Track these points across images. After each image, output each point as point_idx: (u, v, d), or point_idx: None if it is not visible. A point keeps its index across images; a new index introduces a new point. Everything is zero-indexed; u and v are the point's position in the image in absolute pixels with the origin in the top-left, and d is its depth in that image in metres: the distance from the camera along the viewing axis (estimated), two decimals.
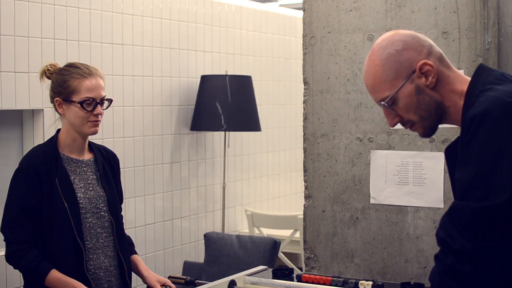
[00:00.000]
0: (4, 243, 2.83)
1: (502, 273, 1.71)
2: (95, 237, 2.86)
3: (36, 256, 2.75)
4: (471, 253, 1.69)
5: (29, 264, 2.74)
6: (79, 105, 2.78)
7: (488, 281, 1.70)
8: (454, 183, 1.94)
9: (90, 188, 2.88)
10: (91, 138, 2.99)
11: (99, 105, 2.82)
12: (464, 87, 1.94)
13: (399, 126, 2.03)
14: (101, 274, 2.86)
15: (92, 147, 2.98)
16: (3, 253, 2.84)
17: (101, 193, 2.91)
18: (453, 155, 1.97)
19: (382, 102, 1.96)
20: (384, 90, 1.95)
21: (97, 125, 2.84)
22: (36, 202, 2.77)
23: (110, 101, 2.89)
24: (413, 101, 1.94)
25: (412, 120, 1.97)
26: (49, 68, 2.88)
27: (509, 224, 1.69)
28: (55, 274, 2.73)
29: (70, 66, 2.86)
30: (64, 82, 2.81)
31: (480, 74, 1.94)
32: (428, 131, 2.00)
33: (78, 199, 2.82)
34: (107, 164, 2.99)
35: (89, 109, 2.80)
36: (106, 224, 2.91)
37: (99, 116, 2.82)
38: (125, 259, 2.96)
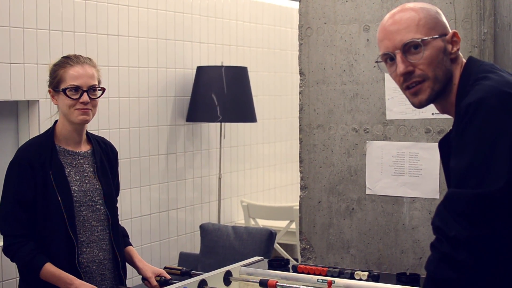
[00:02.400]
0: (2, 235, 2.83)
1: (497, 260, 1.71)
2: (90, 230, 2.85)
3: (32, 249, 2.74)
4: (466, 240, 1.70)
5: (24, 258, 2.73)
6: (63, 92, 2.78)
7: (483, 268, 1.71)
8: (448, 174, 1.95)
9: (86, 181, 2.87)
10: (88, 129, 2.98)
11: (85, 93, 2.78)
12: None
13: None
14: (94, 267, 2.84)
15: (91, 138, 2.96)
16: None
17: (97, 186, 2.89)
18: (446, 146, 1.97)
19: (414, 39, 1.92)
20: (416, 32, 1.93)
21: (85, 113, 2.79)
22: (30, 195, 2.75)
23: (103, 90, 2.86)
24: (439, 57, 1.94)
25: (427, 75, 1.94)
26: None
27: (504, 211, 1.70)
28: (49, 268, 2.72)
29: (63, 57, 2.88)
30: (54, 72, 2.84)
31: (471, 65, 1.97)
32: (432, 96, 1.96)
33: (72, 192, 2.80)
34: (104, 156, 2.97)
35: (74, 96, 2.77)
36: (102, 217, 2.89)
37: (88, 104, 2.78)
38: (120, 253, 2.94)
